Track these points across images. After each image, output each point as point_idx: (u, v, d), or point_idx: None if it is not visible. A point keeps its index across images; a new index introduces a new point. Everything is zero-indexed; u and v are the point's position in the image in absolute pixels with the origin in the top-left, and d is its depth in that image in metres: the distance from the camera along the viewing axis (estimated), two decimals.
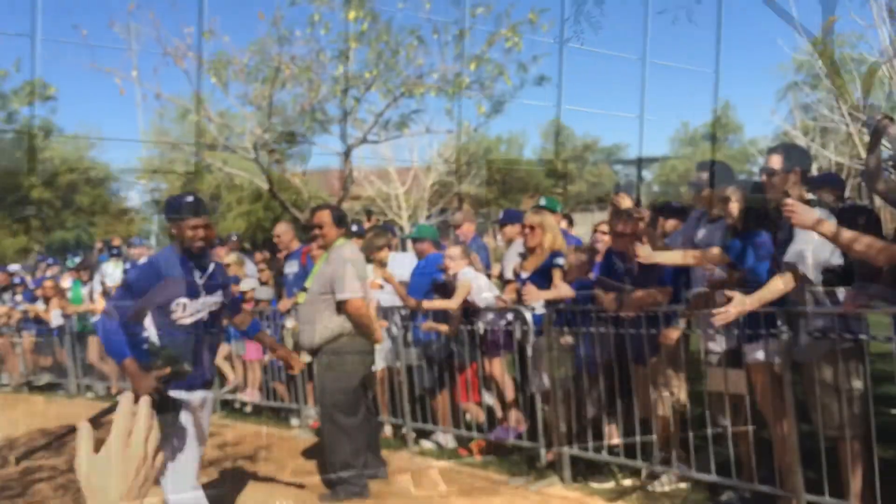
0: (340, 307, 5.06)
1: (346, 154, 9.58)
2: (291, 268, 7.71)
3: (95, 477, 1.10)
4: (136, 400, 1.16)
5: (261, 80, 8.20)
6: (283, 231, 8.31)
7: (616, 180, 48.78)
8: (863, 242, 3.34)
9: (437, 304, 6.05)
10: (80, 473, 1.12)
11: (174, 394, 3.84)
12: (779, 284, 3.81)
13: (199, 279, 3.99)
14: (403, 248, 7.76)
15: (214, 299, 4.06)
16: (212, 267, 4.09)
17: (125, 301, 3.90)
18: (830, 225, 3.42)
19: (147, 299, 3.87)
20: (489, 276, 6.56)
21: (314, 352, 5.27)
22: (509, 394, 5.88)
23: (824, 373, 3.97)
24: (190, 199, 4.01)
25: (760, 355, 4.19)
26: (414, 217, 20.24)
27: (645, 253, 4.29)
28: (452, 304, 5.90)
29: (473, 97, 8.77)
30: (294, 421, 7.90)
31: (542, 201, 6.01)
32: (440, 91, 8.15)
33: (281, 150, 9.66)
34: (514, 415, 5.82)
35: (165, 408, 3.74)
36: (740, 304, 3.74)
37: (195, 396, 3.98)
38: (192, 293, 3.94)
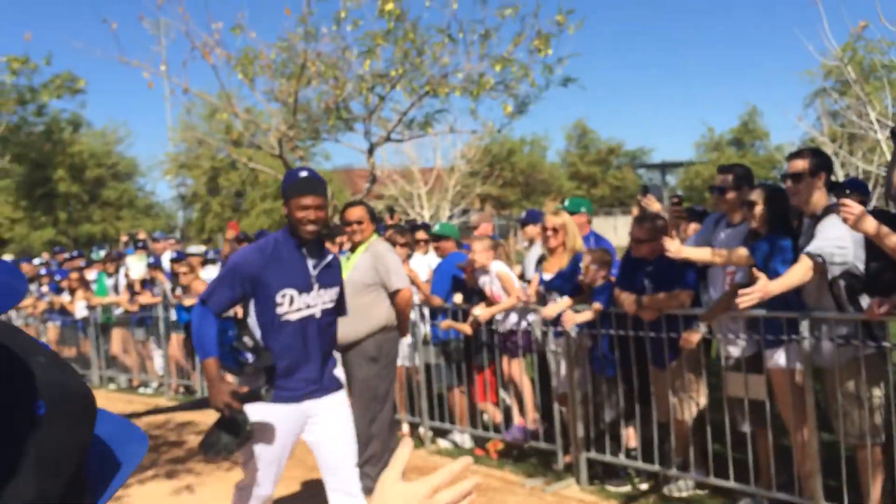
0: (393, 297, 5.00)
1: (370, 152, 9.60)
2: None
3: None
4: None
5: (286, 77, 8.26)
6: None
7: (641, 183, 48.46)
8: None
9: (497, 308, 5.80)
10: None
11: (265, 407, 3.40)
12: (801, 270, 3.76)
13: (312, 269, 3.43)
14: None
15: (329, 295, 3.50)
16: (329, 258, 3.52)
17: (223, 288, 3.41)
18: (883, 228, 3.36)
19: (248, 288, 3.37)
20: None
21: (352, 344, 5.17)
22: (527, 395, 5.87)
23: (846, 380, 3.92)
24: (303, 174, 3.40)
25: (782, 360, 4.16)
26: (436, 217, 20.24)
27: (674, 247, 4.24)
28: (511, 301, 5.75)
29: (498, 98, 8.78)
30: None
31: (566, 202, 5.97)
32: (465, 91, 8.15)
33: (305, 148, 9.72)
34: (531, 416, 5.81)
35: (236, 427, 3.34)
36: (764, 286, 3.69)
37: (291, 411, 3.44)
38: (303, 285, 3.39)
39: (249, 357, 3.35)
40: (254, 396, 3.35)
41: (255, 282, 3.36)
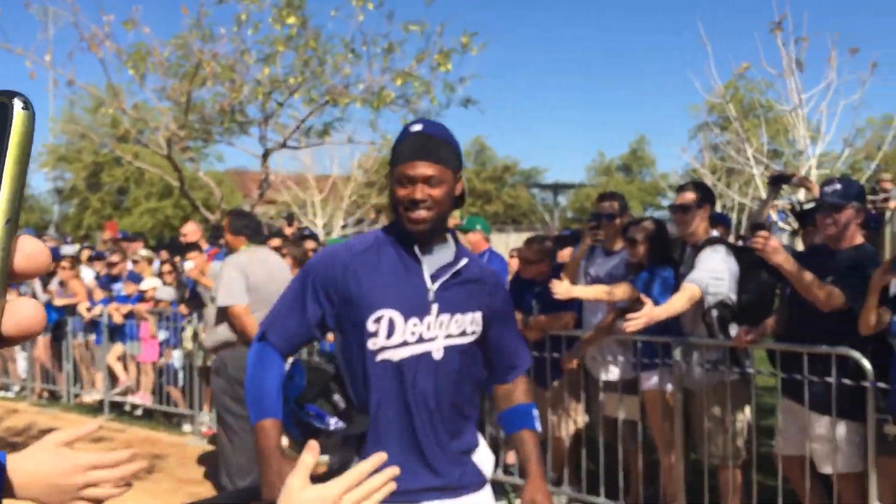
0: (223, 314, 4.97)
1: (265, 157, 9.42)
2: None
3: None
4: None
5: (180, 76, 7.98)
6: (190, 231, 8.14)
7: (533, 203, 49.74)
8: (815, 284, 3.48)
9: None
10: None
11: None
12: (684, 297, 3.96)
13: (428, 281, 2.11)
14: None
15: (460, 324, 2.12)
16: (461, 263, 2.16)
17: (291, 311, 2.17)
18: (795, 263, 3.54)
19: (329, 307, 2.13)
20: None
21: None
22: None
23: (712, 403, 4.14)
24: (416, 127, 2.14)
25: (654, 382, 4.36)
26: (329, 225, 20.05)
27: (562, 289, 4.35)
28: None
29: (398, 111, 8.80)
30: (186, 427, 7.68)
31: (463, 221, 6.03)
32: (365, 102, 8.13)
33: (196, 149, 9.42)
34: None
35: None
36: (650, 312, 3.86)
37: None
38: (412, 304, 2.08)
39: (333, 423, 2.11)
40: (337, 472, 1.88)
41: (339, 297, 2.11)
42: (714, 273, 3.98)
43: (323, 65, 8.30)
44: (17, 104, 0.48)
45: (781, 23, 12.71)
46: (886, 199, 10.21)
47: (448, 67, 7.64)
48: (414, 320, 2.05)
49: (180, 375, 7.77)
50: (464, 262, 2.16)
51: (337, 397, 2.13)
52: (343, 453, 2.15)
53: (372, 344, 2.03)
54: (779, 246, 3.45)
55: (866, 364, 3.46)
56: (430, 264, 2.12)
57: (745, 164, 15.31)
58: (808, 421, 3.69)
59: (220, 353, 5.19)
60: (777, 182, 4.26)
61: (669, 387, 4.33)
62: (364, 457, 1.90)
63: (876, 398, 3.48)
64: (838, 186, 3.66)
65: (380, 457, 1.12)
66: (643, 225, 4.40)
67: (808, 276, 3.45)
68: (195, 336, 7.49)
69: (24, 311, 0.51)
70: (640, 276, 4.34)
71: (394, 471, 1.12)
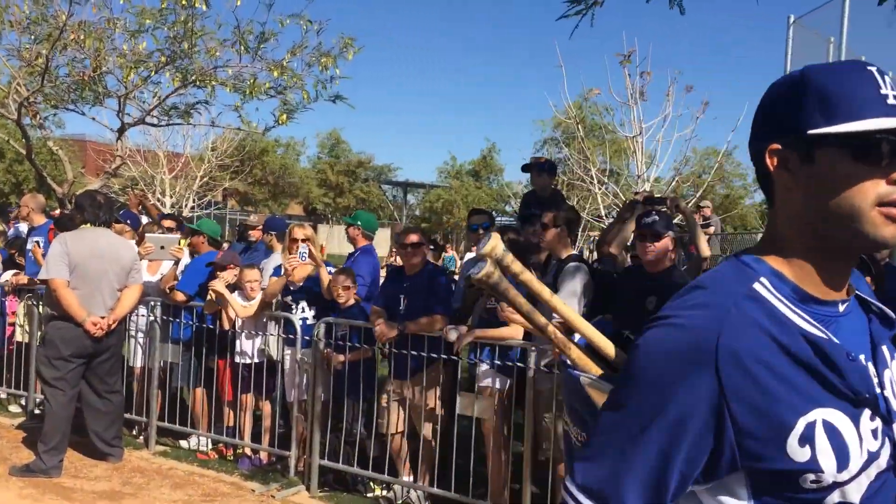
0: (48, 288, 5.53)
1: (121, 132, 9.04)
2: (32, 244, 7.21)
3: None
4: None
5: (38, 38, 7.50)
6: (28, 202, 7.71)
7: (384, 199, 50.03)
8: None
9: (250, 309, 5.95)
10: None
11: None
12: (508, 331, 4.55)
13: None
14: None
15: None
16: None
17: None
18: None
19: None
20: None
21: None
22: (266, 422, 5.95)
23: (546, 400, 4.55)
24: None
25: (488, 382, 4.75)
26: (179, 205, 19.31)
27: (453, 337, 4.72)
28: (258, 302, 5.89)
29: (266, 100, 8.74)
30: (14, 408, 7.32)
31: (359, 220, 6.13)
32: (236, 89, 8.03)
33: (46, 116, 8.88)
34: (265, 441, 5.92)
35: None
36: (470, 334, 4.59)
37: None
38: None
39: None
40: None
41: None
42: (565, 296, 4.43)
43: (194, 45, 8.10)
44: None
45: (630, 56, 13.78)
46: (707, 226, 11.34)
47: (337, 69, 7.73)
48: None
49: None
50: None
51: None
52: None
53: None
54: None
55: None
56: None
57: (589, 182, 16.39)
58: None
59: (46, 326, 5.62)
60: (650, 203, 4.70)
61: (506, 385, 4.74)
62: None
63: None
64: (657, 217, 4.20)
65: None
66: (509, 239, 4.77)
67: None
68: (29, 313, 7.14)
69: None
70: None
71: None
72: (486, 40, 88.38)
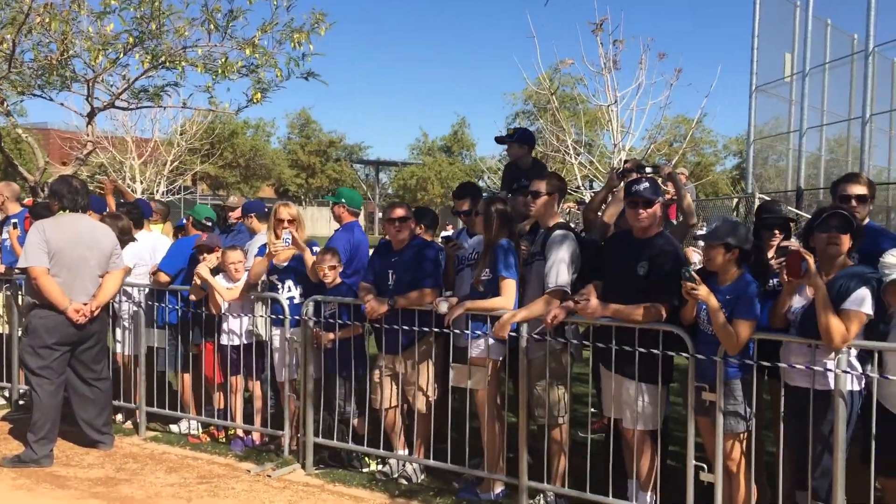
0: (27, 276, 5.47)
1: (90, 117, 8.86)
2: (8, 233, 7.09)
3: None
4: None
5: (1, 22, 7.29)
6: (3, 191, 7.58)
7: (356, 178, 49.76)
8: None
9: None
10: None
11: None
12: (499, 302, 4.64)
13: None
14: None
15: None
16: None
17: None
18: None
19: None
20: None
21: None
22: (258, 404, 5.93)
23: (542, 370, 4.60)
24: None
25: (478, 351, 4.78)
26: (149, 190, 19.03)
27: (444, 309, 4.78)
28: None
29: (238, 80, 8.60)
30: None
31: (343, 198, 6.04)
32: (208, 69, 7.89)
33: (10, 102, 8.66)
34: (258, 422, 5.91)
35: None
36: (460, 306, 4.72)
37: None
38: None
39: None
40: None
41: None
42: (563, 264, 4.47)
43: (162, 25, 7.93)
44: None
45: (602, 24, 13.74)
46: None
47: (311, 45, 7.62)
48: None
49: None
50: None
51: None
52: None
53: None
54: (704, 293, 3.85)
55: (688, 339, 4.02)
56: None
57: (565, 152, 16.41)
58: (619, 385, 4.28)
59: (28, 314, 5.54)
60: (640, 171, 4.71)
61: (497, 356, 4.77)
62: None
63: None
64: (647, 184, 4.22)
65: None
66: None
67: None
68: (7, 303, 7.04)
69: None
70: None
71: None
72: (453, 14, 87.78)
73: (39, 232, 5.43)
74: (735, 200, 18.18)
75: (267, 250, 5.64)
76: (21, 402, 6.83)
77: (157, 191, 19.47)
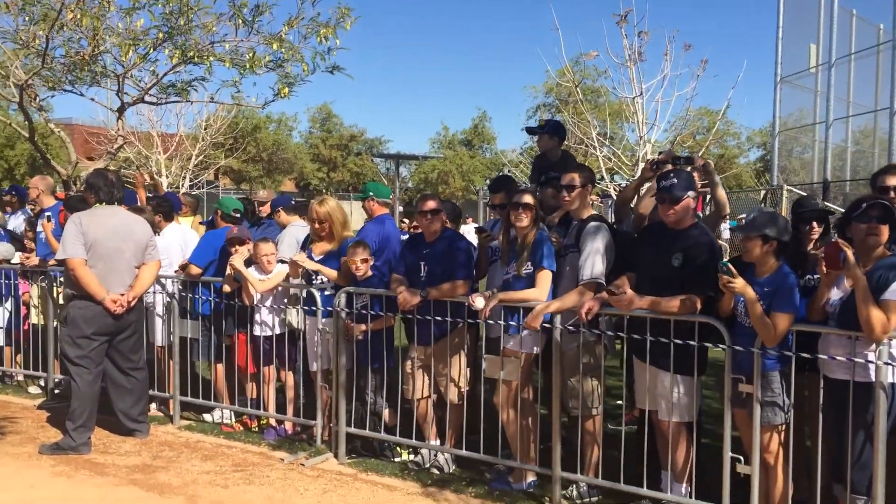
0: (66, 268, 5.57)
1: (120, 112, 8.94)
2: (42, 226, 7.21)
3: None
4: None
5: (33, 20, 7.39)
6: (38, 184, 7.72)
7: (377, 172, 49.83)
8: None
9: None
10: None
11: None
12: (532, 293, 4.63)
13: None
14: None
15: None
16: None
17: None
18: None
19: None
20: None
21: None
22: (290, 394, 5.99)
23: (575, 362, 4.61)
24: None
25: (513, 343, 4.79)
26: (175, 185, 19.21)
27: (481, 305, 4.76)
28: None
29: (264, 74, 8.64)
30: (33, 389, 7.38)
31: (370, 192, 6.06)
32: (235, 64, 7.93)
33: (42, 98, 8.75)
34: (290, 411, 5.98)
35: None
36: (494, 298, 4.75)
37: None
38: None
39: None
40: None
41: None
42: (598, 255, 4.48)
43: (190, 20, 7.99)
44: None
45: (627, 16, 13.63)
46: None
47: (337, 39, 7.63)
48: None
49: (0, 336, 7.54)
50: None
51: None
52: None
53: None
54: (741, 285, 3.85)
55: (724, 331, 4.01)
56: None
57: (590, 145, 16.32)
58: (654, 377, 4.28)
59: (67, 305, 5.63)
60: (675, 163, 4.68)
61: (535, 349, 4.80)
62: None
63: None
64: (675, 181, 4.21)
65: None
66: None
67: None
68: (43, 295, 7.15)
69: None
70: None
71: None
72: (475, 7, 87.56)
73: (76, 224, 5.53)
74: (762, 193, 18.02)
75: (290, 258, 5.81)
76: (56, 392, 6.95)
77: (183, 185, 19.64)
